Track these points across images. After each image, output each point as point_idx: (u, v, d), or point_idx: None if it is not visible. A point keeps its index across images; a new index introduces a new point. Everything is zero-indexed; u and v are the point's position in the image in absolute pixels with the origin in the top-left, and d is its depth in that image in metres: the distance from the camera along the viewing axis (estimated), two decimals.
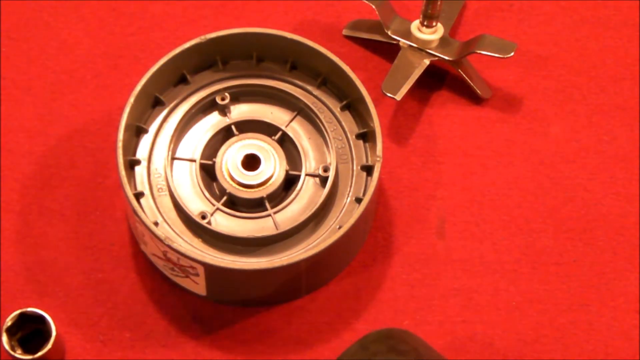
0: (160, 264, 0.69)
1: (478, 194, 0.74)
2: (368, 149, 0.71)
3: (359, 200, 0.69)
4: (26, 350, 0.65)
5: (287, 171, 0.70)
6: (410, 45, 0.77)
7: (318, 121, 0.72)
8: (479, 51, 0.75)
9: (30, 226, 0.72)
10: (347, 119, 0.72)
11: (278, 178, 0.70)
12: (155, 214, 0.69)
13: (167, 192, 0.70)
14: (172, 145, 0.70)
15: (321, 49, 0.71)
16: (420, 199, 0.74)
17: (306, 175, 0.70)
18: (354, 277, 0.71)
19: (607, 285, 0.71)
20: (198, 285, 0.68)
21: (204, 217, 0.68)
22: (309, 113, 0.72)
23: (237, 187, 0.69)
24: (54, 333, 0.65)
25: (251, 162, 0.70)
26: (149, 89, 0.70)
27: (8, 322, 0.64)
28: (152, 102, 0.72)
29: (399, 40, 0.78)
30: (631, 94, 0.78)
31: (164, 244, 0.65)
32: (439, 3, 0.75)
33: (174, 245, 0.65)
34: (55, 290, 0.70)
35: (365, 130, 0.72)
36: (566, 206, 0.74)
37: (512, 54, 0.75)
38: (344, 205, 0.70)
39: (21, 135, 0.75)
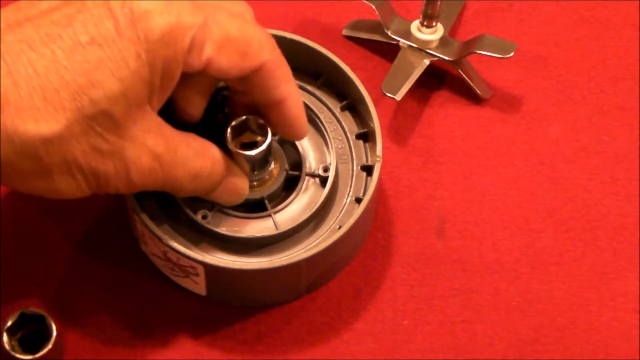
0: (160, 264, 0.69)
1: (478, 194, 0.74)
2: (368, 149, 0.72)
3: (359, 200, 0.69)
4: (26, 350, 0.65)
5: (287, 171, 0.70)
6: (410, 45, 0.77)
7: (318, 121, 0.72)
8: (479, 51, 0.75)
9: (30, 226, 0.72)
10: (347, 119, 0.72)
11: (278, 178, 0.70)
12: (155, 213, 0.69)
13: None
14: None
15: (321, 49, 0.72)
16: (420, 199, 0.74)
17: (306, 175, 0.70)
18: (354, 277, 0.71)
19: (607, 285, 0.71)
20: (198, 285, 0.68)
21: (204, 217, 0.68)
22: (309, 113, 0.72)
23: None
24: (54, 333, 0.65)
25: None
26: None
27: (8, 322, 0.64)
28: None
29: (399, 40, 0.78)
30: (631, 94, 0.78)
31: (164, 243, 0.65)
32: (439, 3, 0.75)
33: (174, 245, 0.65)
34: (55, 290, 0.70)
35: (365, 130, 0.72)
36: (566, 206, 0.74)
37: (512, 54, 0.75)
38: (344, 205, 0.70)
39: None
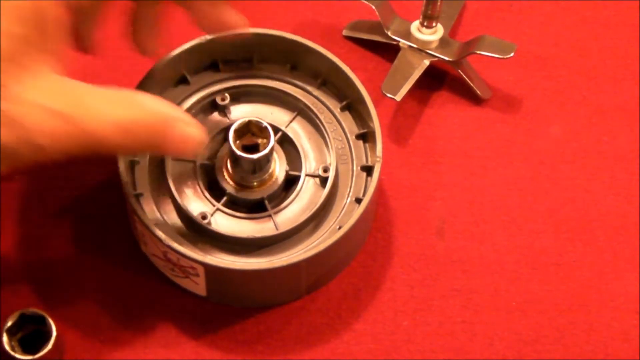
0: (160, 264, 0.69)
1: (478, 194, 0.74)
2: (368, 150, 0.72)
3: (359, 201, 0.69)
4: (26, 351, 0.65)
5: (287, 171, 0.70)
6: (410, 46, 0.77)
7: (318, 121, 0.72)
8: (478, 52, 0.75)
9: (30, 226, 0.72)
10: (347, 120, 0.72)
11: (278, 178, 0.70)
12: (155, 214, 0.69)
13: (167, 193, 0.69)
14: None
15: (321, 49, 0.72)
16: (420, 199, 0.74)
17: (306, 175, 0.70)
18: (354, 277, 0.71)
19: (607, 285, 0.71)
20: (198, 286, 0.68)
21: (204, 218, 0.68)
22: (309, 113, 0.72)
23: (237, 187, 0.69)
24: (54, 333, 0.65)
25: None
26: (149, 89, 0.70)
27: (8, 322, 0.64)
28: None
29: (398, 41, 0.78)
30: (631, 94, 0.78)
31: (164, 244, 0.65)
32: (439, 3, 0.75)
33: (174, 246, 0.65)
34: (55, 290, 0.70)
35: (365, 130, 0.72)
36: (566, 206, 0.74)
37: (511, 54, 0.75)
38: (344, 205, 0.70)
39: None
